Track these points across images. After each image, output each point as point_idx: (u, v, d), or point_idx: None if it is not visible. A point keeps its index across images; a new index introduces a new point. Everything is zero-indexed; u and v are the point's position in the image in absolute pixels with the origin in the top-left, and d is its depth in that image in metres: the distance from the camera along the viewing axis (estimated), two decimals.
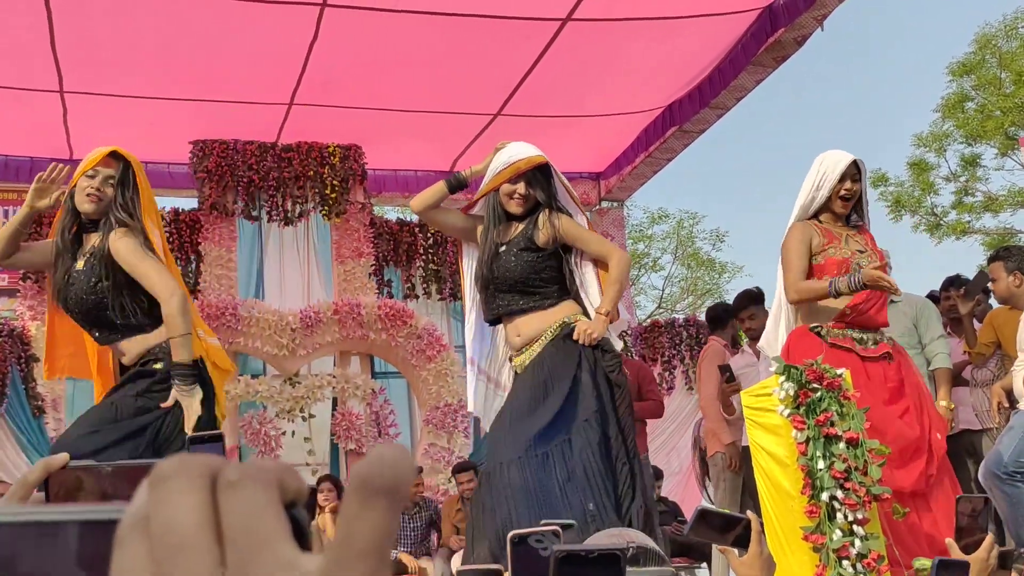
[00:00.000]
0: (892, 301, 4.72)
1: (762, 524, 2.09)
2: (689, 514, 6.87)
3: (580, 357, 3.71)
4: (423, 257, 9.04)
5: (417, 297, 8.96)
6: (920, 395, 3.95)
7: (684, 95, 8.15)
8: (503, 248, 3.92)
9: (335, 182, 8.71)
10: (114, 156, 3.66)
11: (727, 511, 2.13)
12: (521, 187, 3.93)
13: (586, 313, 3.87)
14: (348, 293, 8.54)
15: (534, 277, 3.87)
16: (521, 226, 3.97)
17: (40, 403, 7.58)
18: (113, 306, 3.52)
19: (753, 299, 6.34)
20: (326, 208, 8.71)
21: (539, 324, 3.84)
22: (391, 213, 13.98)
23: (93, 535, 0.38)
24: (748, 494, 5.69)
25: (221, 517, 0.35)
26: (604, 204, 10.09)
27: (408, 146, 8.90)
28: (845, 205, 4.09)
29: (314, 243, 8.78)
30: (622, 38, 7.06)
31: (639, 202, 23.72)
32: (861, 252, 4.04)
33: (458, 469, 7.33)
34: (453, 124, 8.46)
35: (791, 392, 3.37)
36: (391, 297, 8.75)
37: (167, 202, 8.67)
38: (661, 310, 22.62)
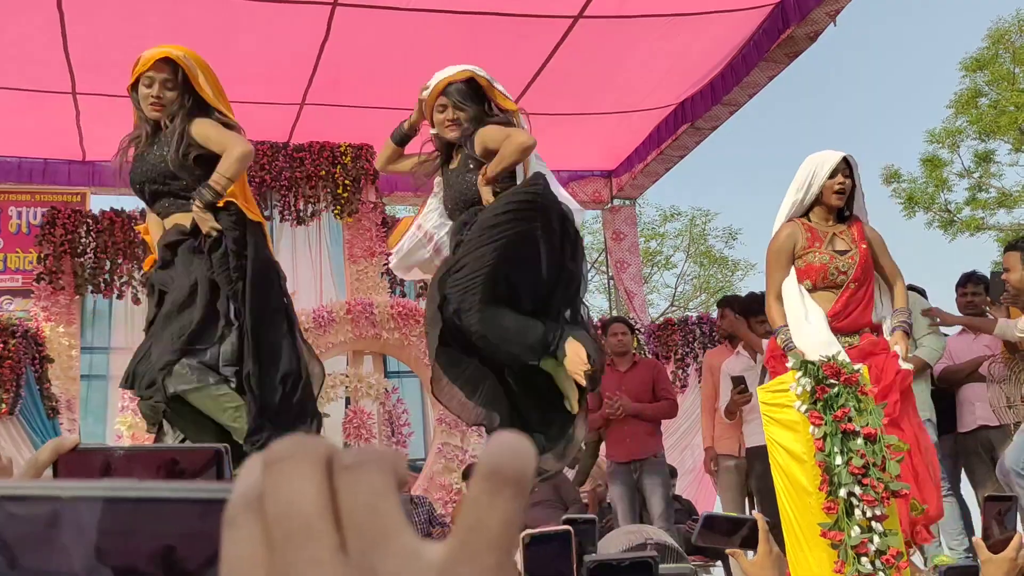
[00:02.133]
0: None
1: (770, 523, 2.08)
2: (702, 511, 6.88)
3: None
4: None
5: None
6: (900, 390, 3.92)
7: (696, 92, 8.12)
8: (452, 176, 3.96)
9: (347, 181, 8.71)
10: (165, 61, 3.72)
11: (733, 514, 2.13)
12: (449, 112, 3.95)
13: None
14: (361, 292, 8.54)
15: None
16: (464, 150, 3.98)
17: (55, 404, 7.60)
18: (181, 174, 3.60)
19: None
20: (338, 207, 8.72)
21: None
22: (403, 212, 13.98)
23: (194, 513, 0.37)
24: (764, 493, 5.66)
25: (339, 501, 0.34)
26: (616, 202, 10.07)
27: (419, 145, 8.87)
28: (840, 198, 4.11)
29: (326, 242, 8.79)
30: (634, 35, 7.04)
31: (651, 200, 23.64)
32: (842, 253, 4.04)
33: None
34: None
35: (808, 388, 3.35)
36: (404, 296, 8.75)
37: None
38: (674, 308, 22.56)
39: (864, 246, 4.07)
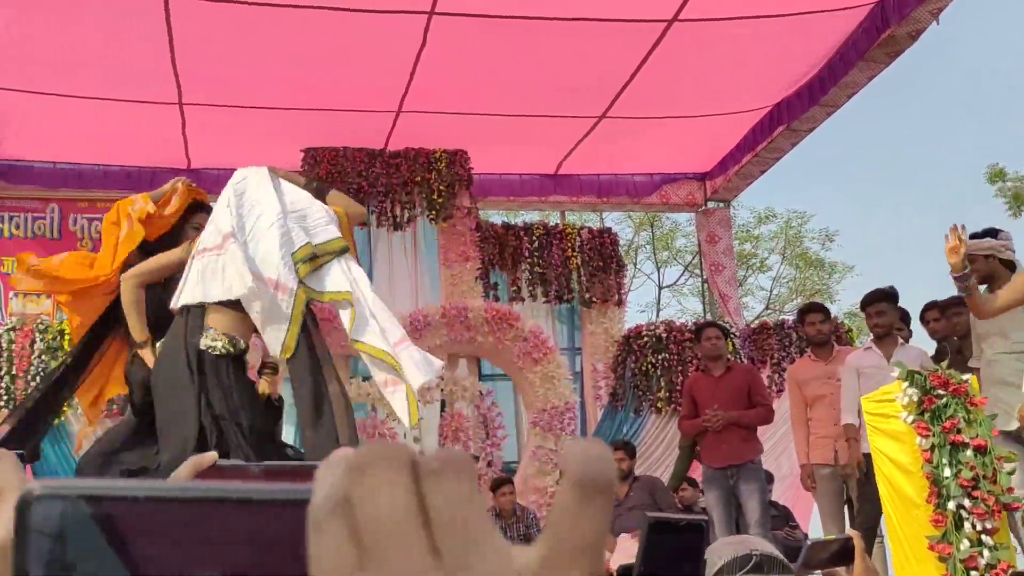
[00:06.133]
0: None
1: (867, 535, 2.07)
2: (800, 517, 6.74)
3: None
4: (528, 260, 9.08)
5: (523, 300, 9.00)
6: None
7: (793, 93, 8.01)
8: None
9: (441, 187, 8.81)
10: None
11: (831, 537, 2.12)
12: None
13: None
14: (455, 296, 8.63)
15: None
16: None
17: None
18: None
19: (886, 296, 6.08)
20: (433, 213, 8.83)
21: None
22: (496, 217, 14.07)
23: (283, 514, 0.38)
24: (863, 501, 5.54)
25: (427, 505, 0.35)
26: (710, 204, 9.98)
27: (513, 150, 8.96)
28: None
29: (421, 248, 8.91)
30: (729, 37, 6.98)
31: (745, 202, 23.32)
32: None
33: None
34: (558, 127, 8.48)
35: (915, 398, 3.28)
36: (497, 300, 8.81)
37: None
38: (769, 311, 22.22)
39: None
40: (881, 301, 5.99)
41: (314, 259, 3.79)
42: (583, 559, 0.34)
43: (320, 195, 4.15)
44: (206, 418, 3.50)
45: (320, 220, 3.92)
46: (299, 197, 4.03)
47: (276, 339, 3.71)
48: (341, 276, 3.81)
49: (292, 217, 3.88)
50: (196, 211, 4.29)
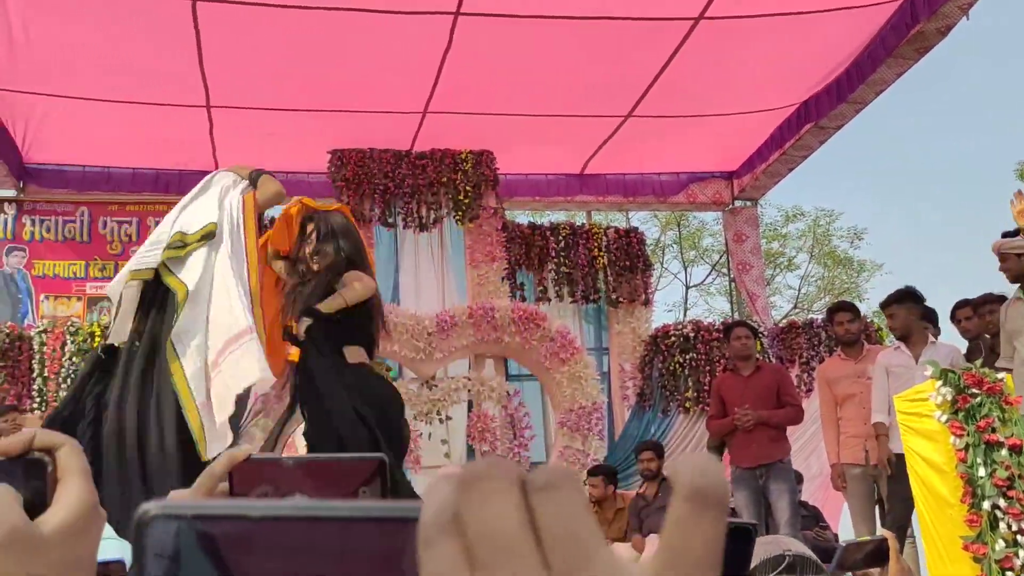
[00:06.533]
0: None
1: (897, 535, 2.06)
2: (830, 517, 6.68)
3: None
4: (555, 260, 9.07)
5: (549, 300, 9.00)
6: None
7: (821, 90, 7.95)
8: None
9: (467, 188, 8.82)
10: None
11: (865, 538, 2.10)
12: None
13: None
14: (482, 297, 8.64)
15: None
16: None
17: None
18: None
19: (912, 295, 6.02)
20: (459, 213, 8.84)
21: None
22: (522, 217, 14.07)
23: (392, 531, 0.38)
24: (898, 500, 5.49)
25: (537, 521, 0.34)
26: (737, 203, 9.93)
27: (539, 150, 8.96)
28: None
29: (448, 249, 8.92)
30: (756, 34, 6.94)
31: (773, 200, 23.19)
32: None
33: (592, 472, 7.33)
34: (584, 127, 8.47)
35: (948, 397, 3.24)
36: (524, 300, 8.81)
37: None
38: (797, 310, 22.09)
39: None
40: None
41: (183, 246, 3.88)
42: (698, 573, 0.34)
43: (254, 183, 4.22)
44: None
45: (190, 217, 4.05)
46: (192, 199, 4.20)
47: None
48: (197, 266, 3.87)
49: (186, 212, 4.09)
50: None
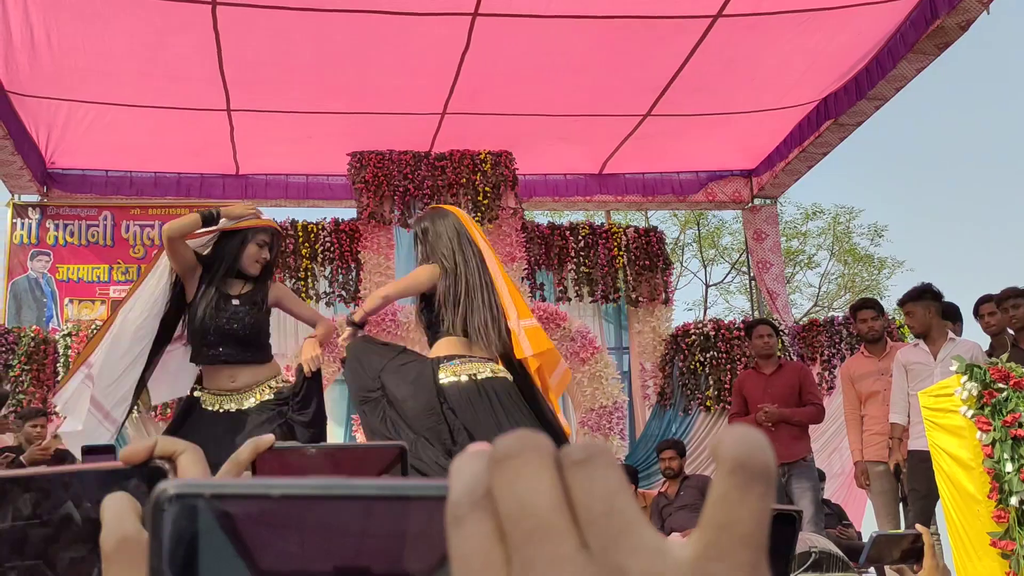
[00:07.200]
0: None
1: (934, 528, 2.04)
2: (852, 516, 6.65)
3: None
4: (574, 260, 9.07)
5: (569, 300, 9.00)
6: None
7: (840, 87, 7.91)
8: (234, 301, 4.11)
9: (487, 188, 8.83)
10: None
11: (899, 531, 2.09)
12: (266, 252, 4.18)
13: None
14: None
15: (262, 332, 4.19)
16: (250, 285, 4.18)
17: None
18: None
19: (930, 292, 5.98)
20: (479, 214, 8.84)
21: (254, 376, 4.12)
22: (541, 217, 14.08)
23: (419, 510, 0.37)
24: (918, 496, 5.46)
25: (574, 498, 0.33)
26: (756, 201, 9.90)
27: (557, 150, 8.96)
28: None
29: None
30: (774, 32, 6.92)
31: (792, 198, 23.10)
32: None
33: None
34: (602, 126, 8.47)
35: (974, 392, 3.23)
36: (544, 300, 8.82)
37: (327, 213, 8.99)
38: (818, 308, 21.99)
39: None
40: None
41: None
42: (744, 551, 0.32)
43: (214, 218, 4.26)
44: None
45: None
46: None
47: None
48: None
49: None
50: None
